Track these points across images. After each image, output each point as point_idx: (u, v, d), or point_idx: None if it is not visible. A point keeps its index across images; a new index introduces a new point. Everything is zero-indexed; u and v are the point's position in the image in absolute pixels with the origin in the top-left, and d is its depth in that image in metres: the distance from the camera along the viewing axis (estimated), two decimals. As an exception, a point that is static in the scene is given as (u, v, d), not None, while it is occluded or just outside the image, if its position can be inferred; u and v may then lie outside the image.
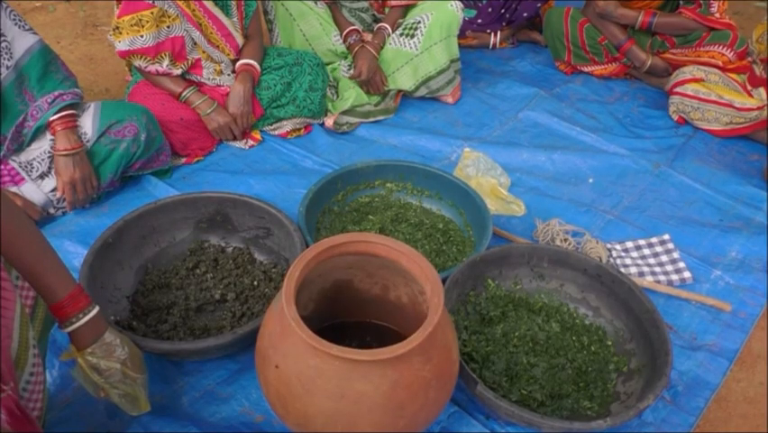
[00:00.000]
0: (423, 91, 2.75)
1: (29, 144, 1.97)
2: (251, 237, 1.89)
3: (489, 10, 3.29)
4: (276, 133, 2.52)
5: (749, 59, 2.75)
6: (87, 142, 1.99)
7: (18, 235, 1.16)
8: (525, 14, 3.27)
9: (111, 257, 1.69)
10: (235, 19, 2.35)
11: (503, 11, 3.27)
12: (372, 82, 2.64)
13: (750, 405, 1.70)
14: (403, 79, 2.70)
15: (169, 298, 1.73)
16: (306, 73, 2.45)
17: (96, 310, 1.28)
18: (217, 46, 2.31)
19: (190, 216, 1.88)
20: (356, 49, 2.64)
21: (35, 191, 1.98)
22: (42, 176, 1.99)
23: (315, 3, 2.65)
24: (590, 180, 2.44)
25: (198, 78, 2.34)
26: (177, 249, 1.87)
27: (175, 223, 1.86)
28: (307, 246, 1.67)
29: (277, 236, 1.84)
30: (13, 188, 1.95)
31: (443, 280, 1.37)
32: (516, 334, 1.70)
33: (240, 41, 2.37)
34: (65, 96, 1.94)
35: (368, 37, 2.71)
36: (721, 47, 2.76)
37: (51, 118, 1.92)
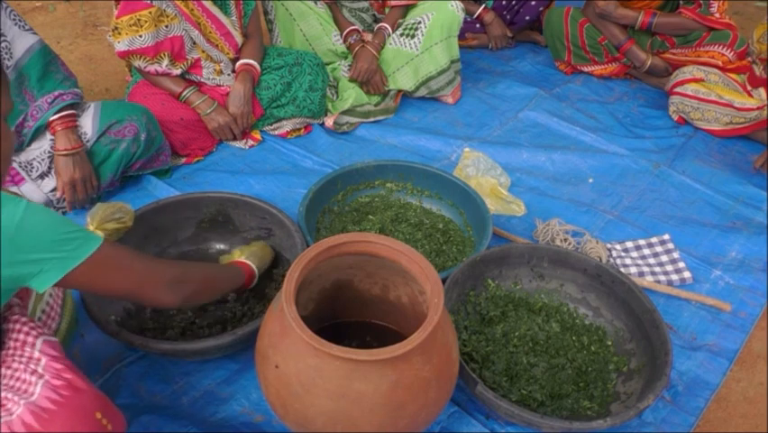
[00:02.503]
0: (423, 91, 2.75)
1: (29, 144, 1.97)
2: (253, 237, 1.89)
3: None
4: (276, 133, 2.52)
5: (749, 59, 2.75)
6: (87, 141, 1.99)
7: None
8: (526, 17, 3.27)
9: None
10: (234, 18, 2.35)
11: (504, 12, 3.27)
12: (372, 82, 2.64)
13: (750, 405, 1.70)
14: (403, 80, 2.70)
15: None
16: (306, 73, 2.45)
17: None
18: (216, 45, 2.31)
19: (192, 216, 1.88)
20: (356, 49, 2.64)
21: (35, 191, 1.98)
22: (42, 176, 1.99)
23: (315, 3, 2.65)
24: (590, 180, 2.44)
25: (198, 77, 2.34)
26: (178, 249, 1.87)
27: (177, 223, 1.86)
28: (308, 246, 1.67)
29: (278, 237, 1.84)
30: (14, 188, 1.95)
31: (443, 281, 1.37)
32: (516, 334, 1.70)
33: (239, 39, 2.37)
34: (65, 96, 1.94)
35: (368, 37, 2.71)
36: (721, 47, 2.76)
37: (51, 118, 1.92)
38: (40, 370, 1.12)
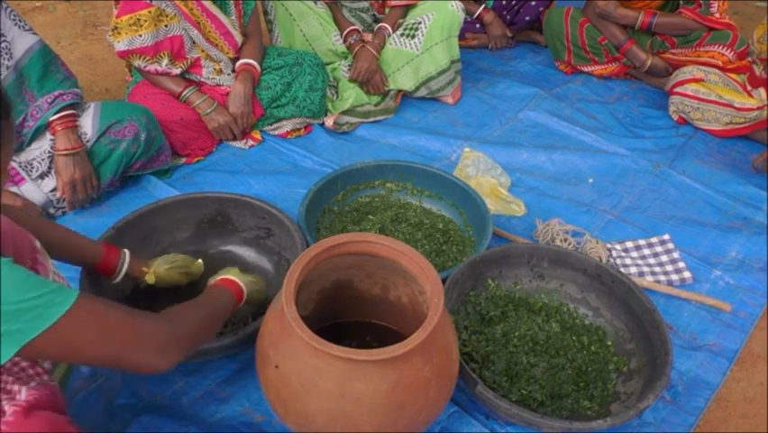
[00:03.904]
0: (423, 91, 2.75)
1: (29, 144, 1.97)
2: (252, 237, 1.89)
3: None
4: (276, 133, 2.52)
5: (749, 59, 2.75)
6: (87, 141, 1.99)
7: (42, 231, 1.32)
8: (526, 18, 3.27)
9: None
10: (234, 17, 2.35)
11: (504, 12, 3.27)
12: (372, 82, 2.64)
13: (750, 405, 1.70)
14: (403, 80, 2.70)
15: (170, 298, 1.73)
16: (306, 73, 2.45)
17: (127, 252, 1.57)
18: (216, 45, 2.31)
19: (191, 217, 1.88)
20: (356, 49, 2.64)
21: (35, 191, 1.98)
22: (42, 176, 1.99)
23: (315, 3, 2.65)
24: (590, 180, 2.44)
25: (198, 77, 2.34)
26: (178, 249, 1.86)
27: (176, 223, 1.86)
28: (307, 246, 1.67)
29: (278, 236, 1.84)
30: (14, 188, 1.95)
31: (443, 281, 1.37)
32: (516, 334, 1.70)
33: (239, 39, 2.37)
34: (65, 96, 1.94)
35: (368, 37, 2.71)
36: (721, 47, 2.76)
37: (51, 118, 1.92)
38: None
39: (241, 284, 1.52)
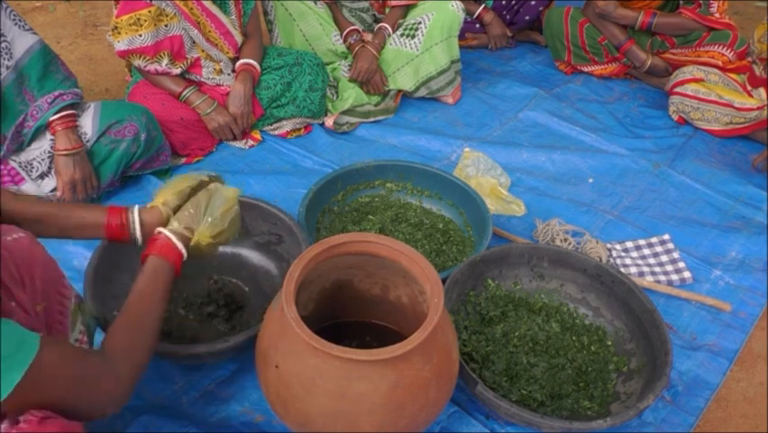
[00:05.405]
0: (423, 92, 2.75)
1: (29, 144, 1.97)
2: (264, 242, 1.84)
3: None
4: (276, 133, 2.52)
5: (749, 59, 2.75)
6: (87, 142, 1.99)
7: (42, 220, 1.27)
8: (526, 17, 3.27)
9: (121, 252, 1.66)
10: (234, 17, 2.35)
11: (504, 12, 3.27)
12: (372, 82, 2.64)
13: (750, 405, 1.70)
14: (403, 80, 2.70)
15: (175, 296, 1.73)
16: (306, 73, 2.45)
17: (135, 207, 1.33)
18: (216, 44, 2.31)
19: None
20: (356, 49, 2.64)
21: (35, 191, 1.98)
22: (42, 176, 1.99)
23: (315, 3, 2.65)
24: (590, 180, 2.44)
25: (198, 77, 2.34)
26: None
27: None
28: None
29: (287, 244, 1.79)
30: (14, 188, 1.95)
31: (443, 281, 1.37)
32: (516, 334, 1.70)
33: (239, 39, 2.37)
34: (65, 96, 1.94)
35: (368, 37, 2.71)
36: (721, 47, 2.76)
37: (51, 118, 1.92)
38: None
39: (175, 243, 1.28)
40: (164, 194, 1.35)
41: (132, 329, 1.16)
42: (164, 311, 1.25)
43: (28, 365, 0.90)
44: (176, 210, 1.34)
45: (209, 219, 1.34)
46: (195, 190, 1.39)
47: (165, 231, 1.29)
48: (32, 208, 1.28)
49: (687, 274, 1.99)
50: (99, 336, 1.44)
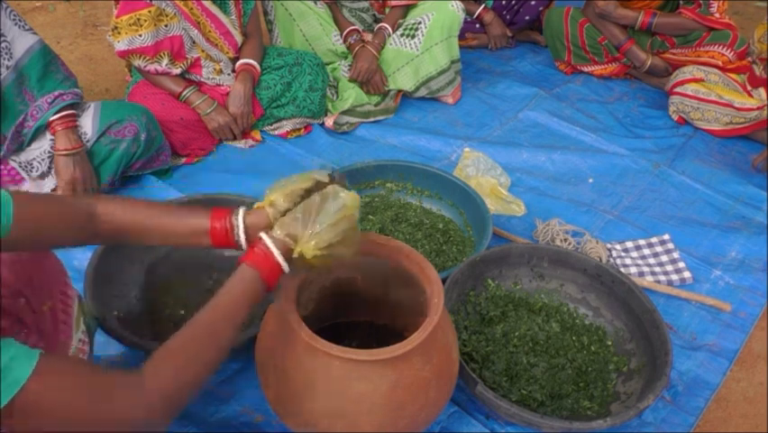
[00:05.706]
0: (423, 92, 2.75)
1: (29, 144, 1.97)
2: None
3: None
4: (276, 133, 2.52)
5: (749, 59, 2.75)
6: (87, 141, 1.99)
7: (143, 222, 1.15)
8: (526, 17, 3.27)
9: (121, 252, 1.67)
10: (234, 17, 2.35)
11: (504, 12, 3.27)
12: (372, 82, 2.64)
13: (750, 405, 1.70)
14: (403, 80, 2.70)
15: (176, 297, 1.73)
16: (306, 73, 2.45)
17: (241, 210, 1.19)
18: (216, 44, 2.31)
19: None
20: (356, 49, 2.64)
21: (35, 191, 1.98)
22: (42, 176, 1.99)
23: (315, 3, 2.65)
24: (590, 180, 2.44)
25: (198, 77, 2.34)
26: (184, 254, 1.80)
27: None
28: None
29: None
30: (14, 188, 1.95)
31: (443, 281, 1.37)
32: (516, 334, 1.70)
33: (239, 39, 2.37)
34: (65, 96, 1.94)
35: (368, 37, 2.71)
36: (721, 47, 2.76)
37: (51, 118, 1.92)
38: None
39: (277, 258, 1.12)
40: (274, 194, 1.18)
41: (189, 345, 1.02)
42: (239, 328, 1.09)
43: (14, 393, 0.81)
44: (285, 214, 1.17)
45: (317, 227, 1.13)
46: (309, 192, 1.20)
47: (265, 237, 1.13)
48: (136, 218, 1.16)
49: (687, 274, 1.99)
50: (99, 336, 1.45)
